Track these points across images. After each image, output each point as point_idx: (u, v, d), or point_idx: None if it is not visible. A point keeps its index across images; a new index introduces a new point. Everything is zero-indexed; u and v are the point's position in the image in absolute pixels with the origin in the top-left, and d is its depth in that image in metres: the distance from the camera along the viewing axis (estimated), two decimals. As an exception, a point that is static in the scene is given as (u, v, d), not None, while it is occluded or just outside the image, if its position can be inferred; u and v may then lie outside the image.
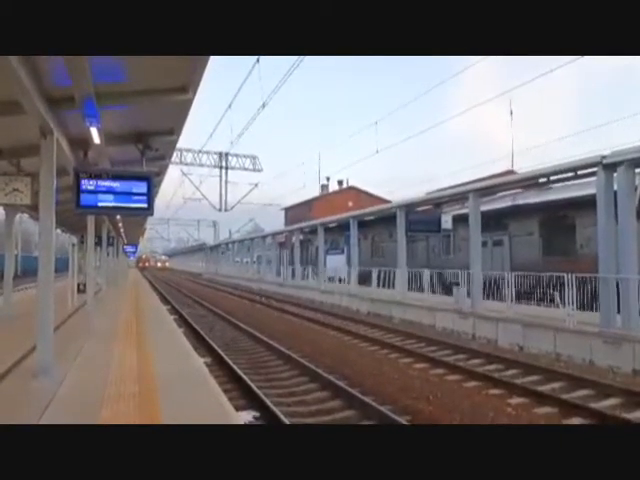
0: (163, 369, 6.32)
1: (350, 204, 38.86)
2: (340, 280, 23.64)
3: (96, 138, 6.10)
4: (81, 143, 6.94)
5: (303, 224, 30.94)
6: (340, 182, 47.61)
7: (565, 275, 10.92)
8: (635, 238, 9.89)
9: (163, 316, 13.46)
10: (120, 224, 19.92)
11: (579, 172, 11.14)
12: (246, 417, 6.38)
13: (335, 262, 25.59)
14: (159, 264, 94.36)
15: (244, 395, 7.44)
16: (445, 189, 19.61)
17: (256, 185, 35.19)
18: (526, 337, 11.27)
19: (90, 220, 12.59)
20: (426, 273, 16.41)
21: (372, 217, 23.19)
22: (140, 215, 8.16)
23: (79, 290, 15.34)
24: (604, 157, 10.10)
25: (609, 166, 10.02)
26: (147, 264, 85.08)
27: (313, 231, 29.59)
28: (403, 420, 6.09)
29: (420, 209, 18.54)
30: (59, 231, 18.71)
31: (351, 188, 45.79)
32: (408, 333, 13.58)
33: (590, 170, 10.68)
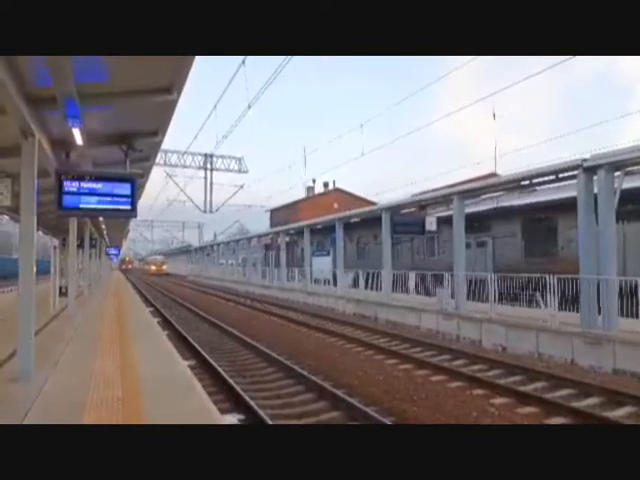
0: (147, 373, 6.25)
1: (336, 206, 38.88)
2: (327, 282, 23.67)
3: (78, 139, 6.03)
4: (63, 144, 6.85)
5: (289, 226, 30.90)
6: (326, 184, 47.64)
7: (547, 276, 11.08)
8: (615, 240, 10.09)
9: (146, 318, 13.32)
10: (103, 226, 19.68)
11: (560, 175, 11.34)
12: (231, 420, 6.35)
13: (321, 264, 25.59)
14: (153, 267, 69.33)
15: (229, 398, 7.40)
16: (430, 191, 19.77)
17: (241, 187, 35.01)
18: (509, 338, 11.41)
19: (72, 222, 12.42)
20: (412, 275, 16.52)
21: (358, 219, 23.27)
22: (124, 217, 8.09)
23: (61, 293, 15.12)
24: (584, 160, 10.28)
25: (589, 169, 10.21)
26: (130, 266, 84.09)
27: (299, 233, 29.56)
28: (388, 421, 6.13)
29: (405, 211, 18.67)
30: (40, 233, 18.41)
31: (337, 190, 45.87)
32: (393, 334, 13.65)
33: (571, 173, 10.87)
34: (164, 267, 69.88)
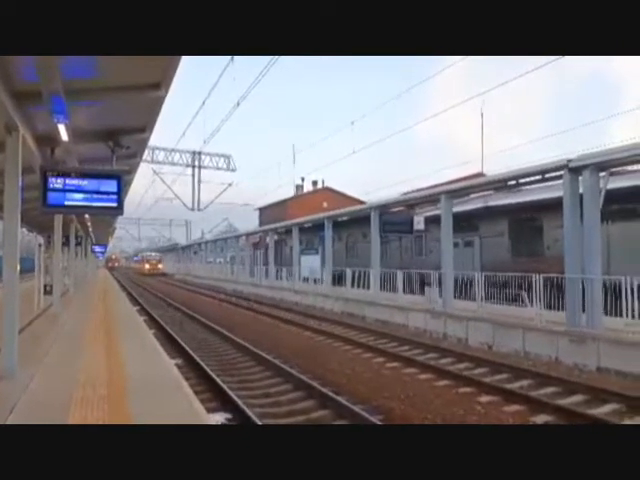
0: (133, 371, 6.20)
1: (325, 205, 38.85)
2: (315, 281, 23.66)
3: (64, 135, 5.94)
4: (48, 140, 6.75)
5: (277, 224, 30.83)
6: (315, 182, 47.61)
7: (533, 275, 11.20)
8: (599, 239, 10.22)
9: (133, 317, 13.20)
10: (89, 223, 19.44)
11: (546, 175, 11.45)
12: (218, 419, 6.33)
13: (310, 262, 25.57)
14: (146, 266, 59.70)
15: (216, 397, 7.37)
16: (419, 190, 19.86)
17: (230, 185, 34.82)
18: (495, 336, 11.51)
19: (57, 219, 12.27)
20: (399, 274, 16.58)
21: (346, 218, 23.30)
22: (110, 214, 7.99)
23: (46, 291, 14.90)
24: (570, 161, 10.40)
25: (575, 169, 10.32)
26: (117, 264, 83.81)
27: (287, 231, 29.51)
28: (376, 419, 6.14)
29: (394, 210, 18.73)
30: (25, 230, 18.15)
31: (326, 189, 45.84)
32: (381, 333, 13.70)
33: (557, 173, 10.99)
34: (160, 266, 60.20)
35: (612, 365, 8.92)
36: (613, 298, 10.01)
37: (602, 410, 6.94)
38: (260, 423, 6.02)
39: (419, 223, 17.16)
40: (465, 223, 17.42)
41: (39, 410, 4.56)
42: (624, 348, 8.83)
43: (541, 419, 6.54)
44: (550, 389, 8.03)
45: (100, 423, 4.12)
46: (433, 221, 16.83)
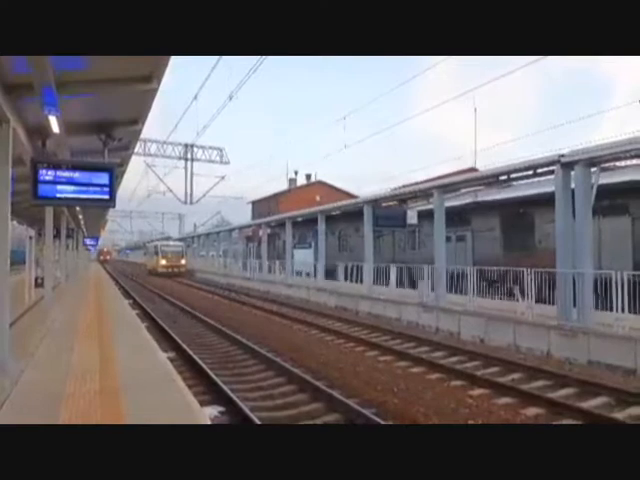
0: (126, 365, 6.18)
1: (318, 198, 38.81)
2: (308, 274, 23.67)
3: (55, 127, 5.87)
4: (39, 132, 6.67)
5: (270, 218, 30.76)
6: (308, 176, 47.55)
7: (524, 270, 11.27)
8: (590, 234, 10.30)
9: (125, 311, 13.15)
10: (80, 216, 19.27)
11: (538, 170, 11.50)
12: (211, 412, 6.32)
13: (303, 256, 25.56)
14: (162, 261, 41.33)
15: (209, 390, 7.37)
16: (411, 185, 19.87)
17: (223, 178, 34.64)
18: (487, 330, 11.59)
19: (48, 212, 12.15)
20: (393, 268, 16.62)
21: (339, 212, 23.28)
22: (101, 207, 7.93)
23: (37, 284, 14.81)
24: (562, 156, 10.45)
25: (567, 165, 10.38)
26: (108, 257, 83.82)
27: (280, 225, 29.46)
28: (368, 412, 6.16)
29: (386, 204, 18.74)
30: (15, 223, 17.96)
31: (319, 182, 45.81)
32: (374, 326, 13.75)
33: (549, 168, 11.04)
34: (183, 261, 42.48)
35: (602, 359, 9.02)
36: (608, 293, 10.08)
37: (592, 403, 7.02)
38: (252, 415, 6.01)
39: (412, 217, 17.19)
40: (457, 218, 17.48)
41: (30, 404, 4.53)
42: (614, 342, 8.93)
43: (532, 412, 6.60)
44: (541, 382, 8.11)
45: (92, 418, 4.11)
46: (426, 215, 16.87)
